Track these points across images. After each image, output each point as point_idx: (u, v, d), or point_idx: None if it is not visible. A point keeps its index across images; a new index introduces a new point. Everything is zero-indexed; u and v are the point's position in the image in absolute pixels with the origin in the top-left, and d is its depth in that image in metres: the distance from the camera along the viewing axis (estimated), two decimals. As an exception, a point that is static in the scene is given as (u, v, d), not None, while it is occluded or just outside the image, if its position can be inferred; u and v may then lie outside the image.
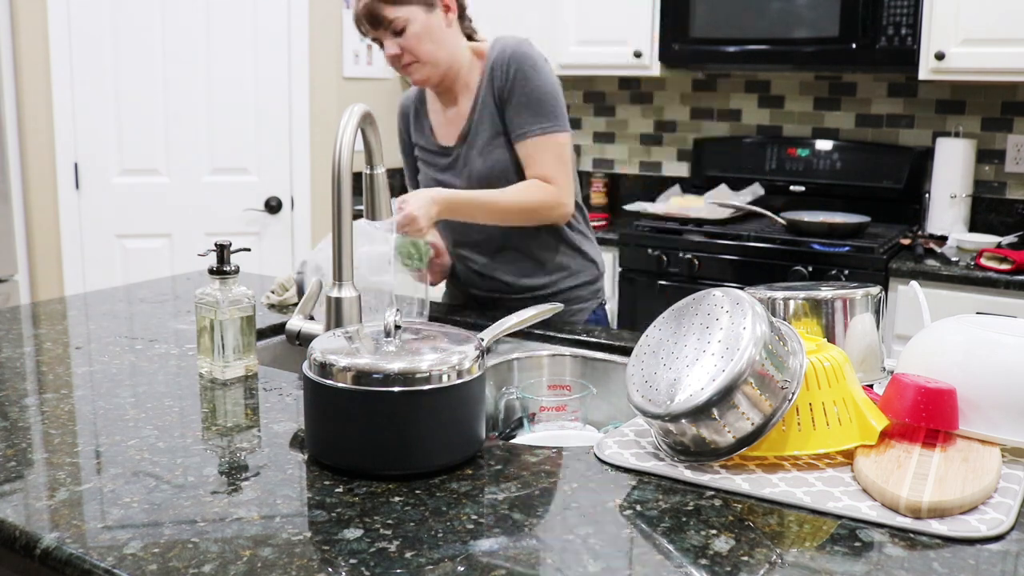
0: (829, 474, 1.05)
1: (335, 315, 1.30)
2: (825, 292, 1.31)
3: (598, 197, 3.67)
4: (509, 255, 1.89)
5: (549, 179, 1.79)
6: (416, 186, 2.01)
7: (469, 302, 1.97)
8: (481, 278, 1.93)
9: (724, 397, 1.01)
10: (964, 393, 1.10)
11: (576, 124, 3.78)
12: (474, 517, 0.96)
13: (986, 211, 3.08)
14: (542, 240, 1.88)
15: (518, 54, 1.78)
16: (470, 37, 1.89)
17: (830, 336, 1.30)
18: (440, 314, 1.84)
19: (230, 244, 1.40)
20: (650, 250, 2.99)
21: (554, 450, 1.14)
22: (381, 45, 1.79)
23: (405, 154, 2.03)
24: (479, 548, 0.89)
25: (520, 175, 1.82)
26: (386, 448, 1.04)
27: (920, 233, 3.02)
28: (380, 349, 1.09)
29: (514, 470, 1.08)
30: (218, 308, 1.37)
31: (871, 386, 1.30)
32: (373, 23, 1.75)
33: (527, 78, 1.77)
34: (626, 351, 1.64)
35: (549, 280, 1.90)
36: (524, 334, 1.71)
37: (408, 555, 0.87)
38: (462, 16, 1.86)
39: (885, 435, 1.10)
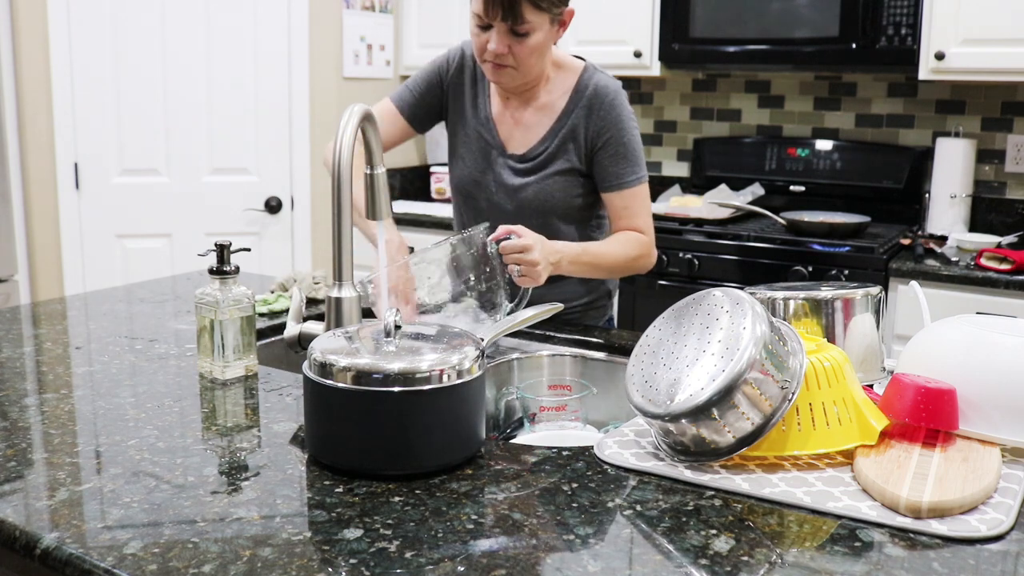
0: (829, 474, 1.05)
1: (335, 315, 1.30)
2: (825, 292, 1.31)
3: (598, 197, 3.67)
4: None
5: (643, 230, 1.79)
6: (409, 118, 1.87)
7: None
8: None
9: (724, 397, 1.01)
10: (964, 393, 1.10)
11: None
12: (474, 517, 0.96)
13: (986, 211, 3.08)
14: None
15: (619, 101, 1.75)
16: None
17: (830, 336, 1.30)
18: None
19: (230, 244, 1.40)
20: (650, 250, 2.99)
21: (554, 450, 1.14)
22: (484, 29, 1.64)
23: (421, 83, 1.86)
24: (479, 548, 0.89)
25: (573, 216, 1.80)
26: (386, 448, 1.04)
27: (920, 233, 3.02)
28: (380, 349, 1.09)
29: (514, 470, 1.08)
30: (218, 308, 1.37)
31: (871, 386, 1.30)
32: (504, 12, 1.59)
33: (625, 127, 1.76)
34: (626, 351, 1.64)
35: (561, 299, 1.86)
36: (524, 334, 1.71)
37: (408, 555, 0.87)
38: None
39: (885, 435, 1.10)
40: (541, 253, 1.55)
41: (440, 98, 1.87)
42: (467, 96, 1.85)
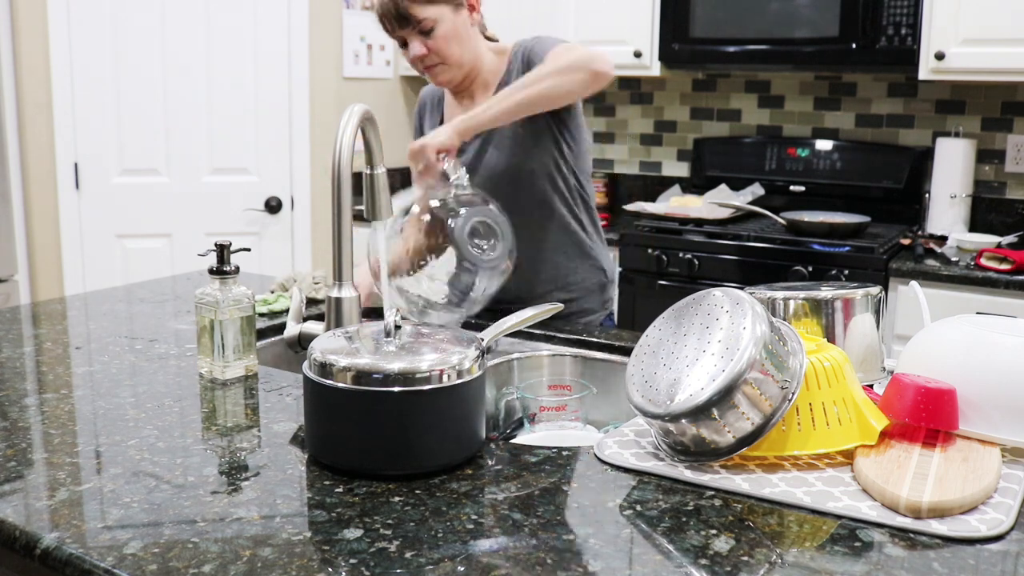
0: (829, 474, 1.05)
1: (335, 315, 1.30)
2: (825, 292, 1.31)
3: (598, 197, 3.67)
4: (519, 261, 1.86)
5: (568, 51, 1.68)
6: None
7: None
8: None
9: (724, 397, 1.01)
10: (964, 393, 1.10)
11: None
12: (474, 517, 0.96)
13: (986, 211, 3.08)
14: (552, 242, 1.84)
15: (533, 39, 1.79)
16: (483, 34, 1.86)
17: (830, 336, 1.30)
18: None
19: (230, 244, 1.40)
20: (650, 250, 2.99)
21: (554, 450, 1.14)
22: (404, 45, 1.75)
23: None
24: (479, 548, 0.89)
25: (544, 180, 1.80)
26: (386, 448, 1.04)
27: (920, 233, 3.02)
28: (380, 349, 1.09)
29: (514, 470, 1.08)
30: (218, 308, 1.37)
31: (871, 386, 1.30)
32: (400, 21, 1.70)
33: (542, 45, 1.74)
34: (626, 351, 1.64)
35: (555, 289, 1.86)
36: (524, 334, 1.71)
37: (408, 555, 0.87)
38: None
39: (885, 435, 1.10)
40: (426, 137, 1.58)
41: None
42: (428, 124, 1.95)
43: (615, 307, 3.04)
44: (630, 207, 3.26)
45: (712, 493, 1.02)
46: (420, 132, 1.98)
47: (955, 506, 0.95)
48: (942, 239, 2.93)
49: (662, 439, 1.11)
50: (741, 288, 1.22)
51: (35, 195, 3.15)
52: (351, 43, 3.58)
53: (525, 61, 1.78)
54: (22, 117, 3.09)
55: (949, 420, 1.09)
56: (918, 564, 0.86)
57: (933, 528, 0.92)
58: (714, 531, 0.93)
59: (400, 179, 4.13)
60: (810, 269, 2.76)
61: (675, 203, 3.28)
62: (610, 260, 1.97)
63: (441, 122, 1.90)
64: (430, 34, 1.71)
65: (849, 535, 0.92)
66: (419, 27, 1.70)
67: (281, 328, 1.74)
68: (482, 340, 1.15)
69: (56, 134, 3.15)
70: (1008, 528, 0.93)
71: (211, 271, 1.39)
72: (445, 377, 1.05)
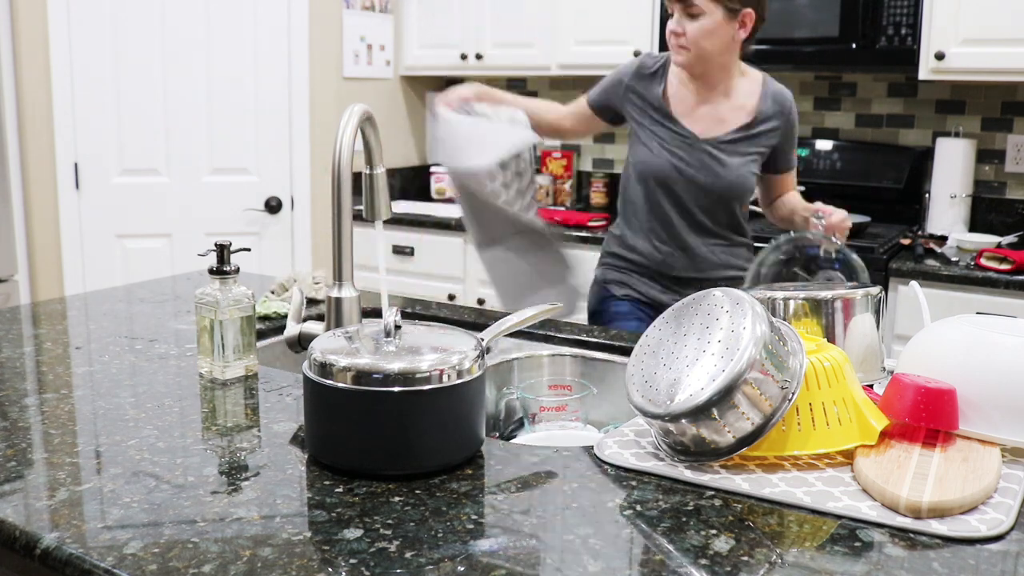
0: (829, 474, 1.05)
1: (335, 315, 1.30)
2: (825, 292, 1.31)
3: (598, 197, 3.67)
4: (709, 239, 2.10)
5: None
6: (595, 111, 2.18)
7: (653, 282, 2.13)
8: (675, 257, 2.10)
9: (724, 397, 1.01)
10: (964, 393, 1.10)
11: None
12: (474, 517, 0.96)
13: (986, 211, 3.08)
14: (732, 223, 2.11)
15: (795, 105, 2.09)
16: (743, 57, 2.05)
17: (830, 336, 1.30)
18: (441, 313, 1.84)
19: (230, 244, 1.40)
20: (650, 250, 2.98)
21: (554, 450, 1.14)
22: (671, 16, 1.95)
23: (606, 91, 2.14)
24: (479, 548, 0.89)
25: (747, 193, 2.09)
26: (386, 448, 1.04)
27: (920, 233, 3.02)
28: (380, 349, 1.09)
29: (514, 470, 1.08)
30: (218, 308, 1.37)
31: (871, 386, 1.30)
32: None
33: (797, 126, 2.12)
34: (626, 351, 1.64)
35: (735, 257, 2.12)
36: (524, 334, 1.71)
37: (408, 555, 0.87)
38: (751, 39, 2.00)
39: (885, 435, 1.10)
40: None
41: (619, 98, 2.14)
42: (646, 84, 2.08)
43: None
44: (630, 207, 3.25)
45: (712, 493, 1.02)
46: (622, 84, 2.11)
47: (955, 506, 0.95)
48: (942, 239, 2.93)
49: (662, 439, 1.11)
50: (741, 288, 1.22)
51: (35, 195, 3.15)
52: (351, 43, 3.58)
53: (789, 125, 2.07)
54: (22, 117, 3.09)
55: (949, 420, 1.09)
56: (918, 564, 0.87)
57: (933, 528, 0.92)
58: (714, 531, 0.93)
59: (400, 179, 4.13)
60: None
61: (675, 203, 3.27)
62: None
63: (670, 107, 2.05)
64: (694, 18, 1.91)
65: (849, 535, 0.92)
66: (688, 9, 1.91)
67: (282, 329, 1.74)
68: (482, 340, 1.15)
69: (56, 134, 3.15)
70: (1008, 528, 0.93)
71: (211, 271, 1.39)
72: (445, 377, 1.05)
